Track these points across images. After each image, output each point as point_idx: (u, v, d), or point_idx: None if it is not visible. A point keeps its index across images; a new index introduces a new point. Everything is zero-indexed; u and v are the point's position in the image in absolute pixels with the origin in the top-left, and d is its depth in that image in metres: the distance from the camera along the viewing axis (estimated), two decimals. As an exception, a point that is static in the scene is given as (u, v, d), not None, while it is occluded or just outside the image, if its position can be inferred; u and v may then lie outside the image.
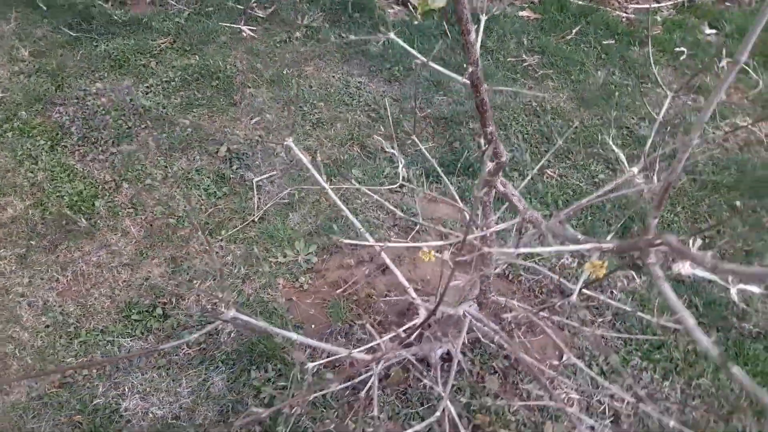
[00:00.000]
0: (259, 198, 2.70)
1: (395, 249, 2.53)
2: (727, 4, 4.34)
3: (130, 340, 2.19)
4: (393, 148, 3.10)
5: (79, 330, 2.21)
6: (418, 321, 1.64)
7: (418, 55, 1.18)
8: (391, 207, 1.79)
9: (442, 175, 1.91)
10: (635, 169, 1.85)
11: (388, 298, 2.26)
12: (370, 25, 3.74)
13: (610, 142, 2.02)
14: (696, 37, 4.03)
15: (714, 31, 4.09)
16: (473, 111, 3.29)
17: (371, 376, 1.87)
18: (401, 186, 2.74)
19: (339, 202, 1.50)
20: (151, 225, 2.54)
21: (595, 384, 2.31)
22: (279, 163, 2.89)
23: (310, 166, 1.46)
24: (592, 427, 2.03)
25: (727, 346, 2.44)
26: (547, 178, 3.02)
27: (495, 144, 1.21)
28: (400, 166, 2.98)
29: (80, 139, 2.88)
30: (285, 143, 1.40)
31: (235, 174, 2.79)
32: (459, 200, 1.97)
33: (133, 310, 2.27)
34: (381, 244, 1.23)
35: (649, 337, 2.49)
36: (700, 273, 2.48)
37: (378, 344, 1.49)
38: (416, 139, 1.87)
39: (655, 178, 1.80)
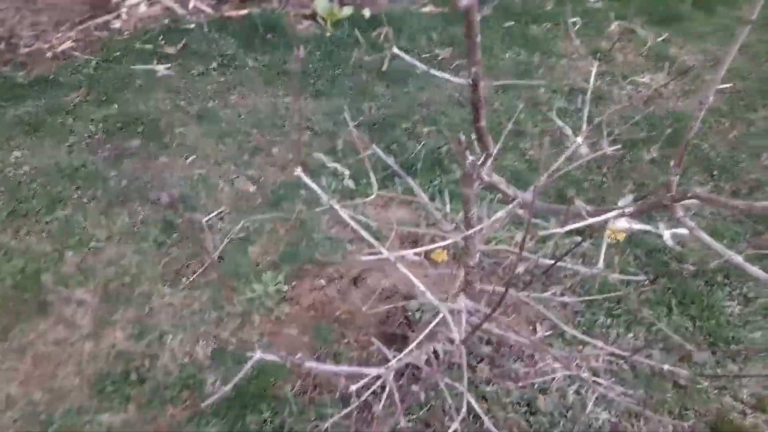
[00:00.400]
0: (213, 238, 2.51)
1: (355, 266, 2.41)
2: (604, -29, 4.45)
3: (109, 415, 1.97)
4: (333, 161, 2.98)
5: (52, 416, 1.96)
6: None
7: (420, 65, 1.10)
8: (365, 219, 1.67)
9: (408, 178, 1.81)
10: (580, 139, 1.81)
11: (374, 311, 2.15)
12: (284, 44, 3.57)
13: (554, 117, 1.99)
14: (584, 6, 4.11)
15: (599, -3, 4.19)
16: (402, 111, 3.20)
17: (371, 392, 1.76)
18: (377, 196, 2.62)
19: (350, 220, 1.38)
20: (105, 289, 2.30)
21: (571, 349, 2.30)
22: (225, 199, 2.70)
23: (320, 192, 1.33)
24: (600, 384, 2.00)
25: (673, 288, 2.49)
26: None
27: (485, 137, 1.14)
28: (345, 179, 2.86)
29: (9, 214, 2.58)
30: (296, 173, 1.27)
31: (182, 218, 2.59)
32: (425, 198, 1.88)
33: (107, 382, 2.05)
34: (395, 254, 1.13)
35: (609, 295, 2.49)
36: (636, 226, 2.47)
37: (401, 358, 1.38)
38: (375, 147, 1.76)
39: (605, 144, 1.78)
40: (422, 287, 1.24)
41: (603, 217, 0.90)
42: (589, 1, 4.14)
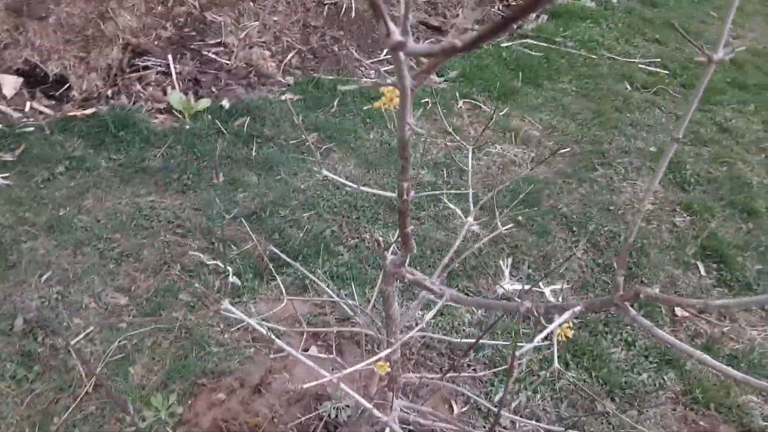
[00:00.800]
0: (85, 364, 2.23)
1: (255, 371, 2.29)
2: (443, 55, 4.94)
3: None
4: (214, 259, 2.85)
5: None
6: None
7: (350, 184, 1.11)
8: (275, 327, 1.60)
9: (306, 271, 1.78)
10: (470, 219, 1.94)
11: (291, 425, 2.03)
12: (140, 140, 3.42)
13: (446, 201, 2.12)
14: (432, 86, 4.50)
15: (442, 78, 4.61)
16: (278, 198, 3.19)
17: None
18: (269, 290, 2.51)
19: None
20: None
21: (489, 423, 2.35)
22: (92, 316, 2.44)
23: (256, 326, 1.24)
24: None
25: (566, 344, 2.68)
26: (369, 243, 3.05)
27: (409, 241, 1.17)
28: (230, 277, 2.75)
29: None
30: (222, 308, 1.17)
31: (43, 345, 2.27)
32: (332, 293, 1.86)
33: None
34: (336, 375, 1.08)
35: (515, 363, 2.60)
36: (518, 286, 2.62)
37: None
38: (273, 248, 1.72)
39: (499, 223, 1.92)
40: (368, 405, 1.21)
41: (560, 320, 0.96)
42: (435, 81, 4.55)
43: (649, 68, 4.93)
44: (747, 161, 4.01)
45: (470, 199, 1.94)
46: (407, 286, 2.73)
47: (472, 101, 4.34)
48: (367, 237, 3.08)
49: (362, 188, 1.19)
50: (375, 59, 4.66)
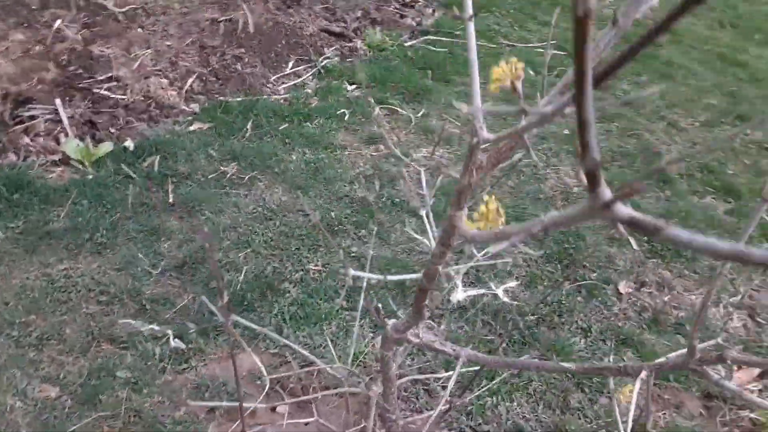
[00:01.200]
0: (21, 479, 1.90)
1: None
2: (349, 60, 4.77)
3: None
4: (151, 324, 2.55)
5: None
6: None
7: (377, 276, 0.94)
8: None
9: (272, 333, 1.58)
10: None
11: None
12: (38, 201, 3.01)
13: (409, 230, 1.99)
14: (345, 96, 4.33)
15: (354, 86, 4.46)
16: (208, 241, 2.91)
17: None
18: (218, 347, 2.24)
19: None
20: None
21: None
22: (21, 417, 2.09)
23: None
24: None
25: (528, 342, 2.64)
26: (314, 273, 2.86)
27: (423, 312, 1.03)
28: (170, 340, 2.48)
29: None
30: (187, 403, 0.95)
31: (-34, 469, 1.92)
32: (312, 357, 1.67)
33: None
34: None
35: (494, 382, 2.49)
36: (471, 292, 2.54)
37: None
38: (235, 317, 1.50)
39: (474, 250, 1.80)
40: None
41: (636, 393, 0.84)
42: (347, 90, 4.38)
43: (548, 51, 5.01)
44: (652, 131, 4.17)
45: (431, 220, 1.80)
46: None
47: (389, 106, 4.21)
48: (312, 267, 2.88)
49: (389, 278, 1.03)
50: (281, 74, 4.41)
